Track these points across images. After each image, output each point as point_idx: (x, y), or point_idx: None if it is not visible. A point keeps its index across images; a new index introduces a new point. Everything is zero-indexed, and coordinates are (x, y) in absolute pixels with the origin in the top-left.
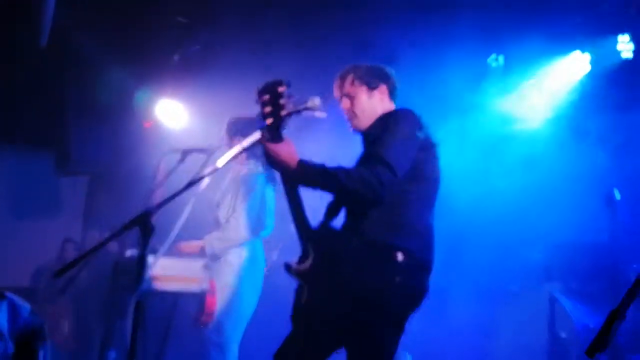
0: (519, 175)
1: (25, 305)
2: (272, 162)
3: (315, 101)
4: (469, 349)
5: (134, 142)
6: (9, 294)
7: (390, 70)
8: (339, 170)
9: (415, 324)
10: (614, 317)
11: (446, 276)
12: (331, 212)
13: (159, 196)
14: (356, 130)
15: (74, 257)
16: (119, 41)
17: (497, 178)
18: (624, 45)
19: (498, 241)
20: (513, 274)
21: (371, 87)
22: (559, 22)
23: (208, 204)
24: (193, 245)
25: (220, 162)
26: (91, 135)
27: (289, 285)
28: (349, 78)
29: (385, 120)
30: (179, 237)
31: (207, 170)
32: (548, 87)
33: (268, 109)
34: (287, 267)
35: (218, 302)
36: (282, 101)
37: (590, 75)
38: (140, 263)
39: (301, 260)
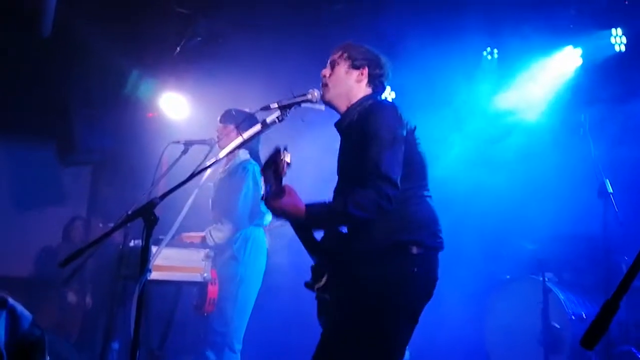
0: (513, 167)
1: (26, 315)
2: (279, 216)
3: (315, 94)
4: (463, 339)
5: (137, 132)
6: (10, 301)
7: (385, 60)
8: (346, 203)
9: None
10: (609, 308)
11: (441, 267)
12: None
13: (162, 187)
14: (325, 101)
15: (82, 235)
16: (121, 32)
17: (491, 170)
18: (617, 39)
19: (492, 232)
20: (507, 265)
21: (354, 65)
22: (552, 17)
23: (209, 195)
24: (194, 235)
25: (222, 153)
26: (95, 125)
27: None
28: (341, 50)
29: (366, 117)
30: (182, 228)
31: (210, 161)
32: (542, 80)
33: (272, 179)
34: (308, 285)
35: (222, 292)
36: (282, 165)
37: (583, 68)
38: (143, 253)
39: (317, 274)
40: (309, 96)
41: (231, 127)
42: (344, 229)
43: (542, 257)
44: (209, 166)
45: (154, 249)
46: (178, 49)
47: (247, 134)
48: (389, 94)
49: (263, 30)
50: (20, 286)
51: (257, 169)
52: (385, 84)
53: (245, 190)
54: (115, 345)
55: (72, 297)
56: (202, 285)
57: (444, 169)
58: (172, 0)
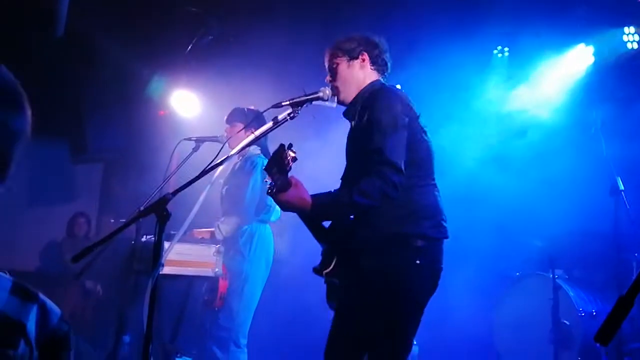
0: (524, 165)
1: (55, 311)
2: (286, 209)
3: (327, 91)
4: (473, 335)
5: (149, 130)
6: (41, 296)
7: (378, 38)
8: (351, 192)
9: None
10: (623, 304)
11: (451, 264)
12: None
13: (173, 184)
14: (341, 103)
15: (85, 231)
16: (133, 31)
17: (502, 167)
18: (630, 37)
19: (503, 229)
20: (517, 261)
21: (352, 56)
22: (564, 15)
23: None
24: (204, 231)
25: (234, 151)
26: (107, 123)
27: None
28: (332, 50)
29: (371, 104)
30: (193, 224)
31: (221, 158)
32: (553, 78)
33: (277, 176)
34: (316, 271)
35: (228, 287)
36: (286, 161)
37: (595, 66)
38: (156, 248)
39: (325, 261)
40: (321, 94)
41: (239, 125)
42: (351, 217)
43: (552, 254)
44: (221, 163)
45: (166, 244)
46: (189, 47)
47: (259, 131)
48: None
49: (274, 28)
50: (31, 281)
51: (264, 163)
52: (388, 59)
53: (253, 183)
54: (127, 339)
55: (90, 285)
56: (213, 280)
57: (455, 166)
58: (183, 0)
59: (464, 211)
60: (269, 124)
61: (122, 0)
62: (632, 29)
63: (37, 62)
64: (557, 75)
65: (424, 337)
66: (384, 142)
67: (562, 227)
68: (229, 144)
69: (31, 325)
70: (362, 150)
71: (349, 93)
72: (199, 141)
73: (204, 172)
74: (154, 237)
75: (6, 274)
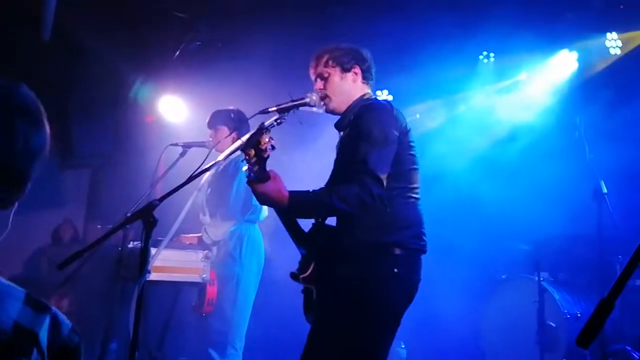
0: (509, 169)
1: (66, 322)
2: (263, 202)
3: (313, 97)
4: (460, 338)
5: (136, 136)
6: (53, 308)
7: (366, 52)
8: (330, 194)
9: (408, 313)
10: (604, 307)
11: (437, 268)
12: None
13: (160, 190)
14: (330, 112)
15: (71, 237)
16: (121, 36)
17: (487, 172)
18: (612, 42)
19: (488, 233)
20: (503, 264)
21: (345, 69)
22: (548, 21)
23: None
24: (191, 237)
25: (222, 156)
26: (94, 129)
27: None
28: (324, 58)
29: (361, 116)
30: (181, 230)
31: (208, 164)
32: (537, 83)
33: (253, 160)
34: (293, 276)
35: (221, 291)
36: (263, 146)
37: (578, 71)
38: (143, 254)
39: (303, 266)
40: (308, 99)
41: (224, 129)
42: (330, 223)
43: (537, 257)
44: (208, 169)
45: (153, 250)
46: (177, 52)
47: (245, 138)
48: (386, 97)
49: (262, 34)
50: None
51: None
52: (374, 73)
53: (237, 185)
54: (114, 346)
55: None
56: (201, 286)
57: (443, 171)
58: (171, 5)
59: (450, 215)
60: (256, 130)
61: (110, 5)
62: (614, 35)
63: (23, 66)
64: (542, 80)
65: (412, 340)
66: (370, 153)
67: (547, 231)
68: (216, 149)
69: (43, 335)
70: (349, 161)
71: (340, 104)
72: (186, 147)
73: (191, 178)
74: (141, 243)
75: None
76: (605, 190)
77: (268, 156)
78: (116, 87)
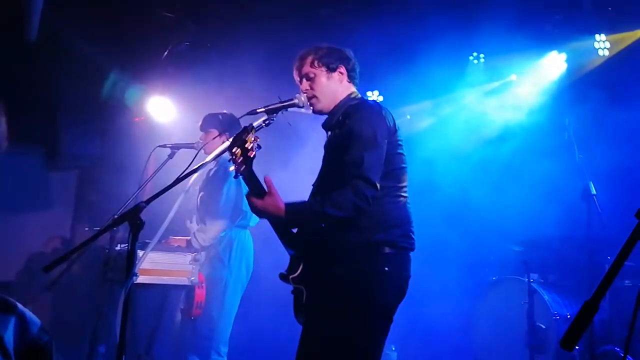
0: (498, 170)
1: (35, 320)
2: (260, 215)
3: (302, 98)
4: (450, 339)
5: (124, 136)
6: (20, 307)
7: (349, 52)
8: (325, 202)
9: (399, 316)
10: (588, 309)
11: (428, 269)
12: None
13: (148, 191)
14: (317, 112)
15: (59, 250)
16: (109, 37)
17: (477, 173)
18: (601, 44)
19: (478, 234)
20: (493, 266)
21: (331, 69)
22: (537, 22)
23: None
24: (180, 239)
25: (209, 158)
26: (81, 129)
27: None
28: (309, 59)
29: (349, 117)
30: (168, 232)
31: (196, 165)
32: (527, 85)
33: (240, 160)
34: (282, 277)
35: (208, 295)
36: (248, 145)
37: (567, 73)
38: (129, 257)
39: (293, 266)
40: (296, 100)
41: (214, 132)
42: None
43: (527, 259)
44: (196, 170)
45: (140, 253)
46: (166, 53)
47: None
48: (376, 97)
49: (251, 34)
50: (4, 291)
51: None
52: (358, 72)
53: (227, 190)
54: (102, 349)
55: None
56: (189, 289)
57: (430, 172)
58: (159, 5)
59: (440, 217)
60: (241, 130)
61: (98, 5)
62: (603, 37)
63: (9, 66)
64: (531, 81)
65: (402, 342)
66: (362, 156)
67: (537, 232)
68: (204, 150)
69: (9, 336)
70: (338, 161)
71: (327, 104)
72: (175, 148)
73: (178, 180)
74: (128, 246)
75: None
76: (594, 191)
77: (254, 156)
78: (103, 87)
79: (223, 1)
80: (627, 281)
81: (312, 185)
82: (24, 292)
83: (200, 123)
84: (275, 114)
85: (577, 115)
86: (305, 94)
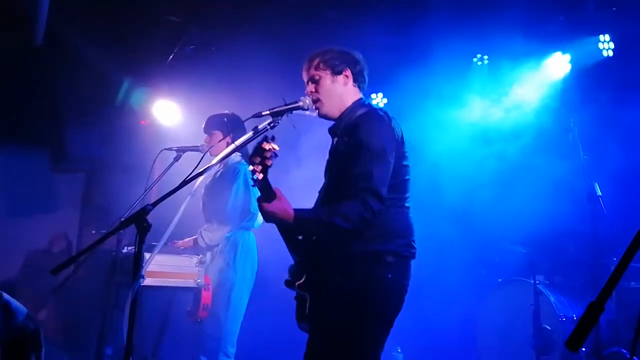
0: (504, 172)
1: (21, 309)
2: (269, 220)
3: (307, 100)
4: (456, 341)
5: (130, 139)
6: (5, 297)
7: (358, 55)
8: (333, 213)
9: (405, 317)
10: (593, 310)
11: (434, 271)
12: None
13: (154, 194)
14: (322, 116)
15: (61, 250)
16: (114, 40)
17: (482, 175)
18: (605, 44)
19: (484, 237)
20: (499, 268)
21: (335, 72)
22: (541, 23)
23: (201, 197)
24: (187, 240)
25: (215, 160)
26: (87, 133)
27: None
28: (316, 61)
29: (358, 127)
30: (174, 234)
31: (202, 168)
32: (531, 86)
33: (258, 168)
34: (288, 283)
35: (215, 296)
36: (267, 154)
37: (572, 73)
38: (136, 260)
39: (297, 273)
40: (301, 103)
41: (218, 133)
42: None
43: (533, 260)
44: (202, 173)
45: (147, 255)
46: (171, 56)
47: (239, 141)
48: (380, 100)
49: (256, 38)
50: (11, 292)
51: (249, 170)
52: (366, 76)
53: (235, 191)
54: (109, 351)
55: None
56: (195, 291)
57: (435, 174)
58: (164, 9)
59: (446, 219)
60: (249, 134)
61: (103, 9)
62: (607, 37)
63: (15, 71)
64: (535, 82)
65: (408, 344)
66: (371, 168)
67: (542, 234)
68: (210, 153)
69: None
70: (345, 169)
71: (332, 107)
72: (180, 151)
73: (185, 183)
74: (135, 248)
75: None
76: (599, 192)
77: (270, 165)
78: (110, 91)
79: (228, 5)
80: (633, 283)
81: (319, 192)
82: (31, 293)
83: (203, 126)
84: (280, 117)
85: (582, 115)
86: (310, 97)
